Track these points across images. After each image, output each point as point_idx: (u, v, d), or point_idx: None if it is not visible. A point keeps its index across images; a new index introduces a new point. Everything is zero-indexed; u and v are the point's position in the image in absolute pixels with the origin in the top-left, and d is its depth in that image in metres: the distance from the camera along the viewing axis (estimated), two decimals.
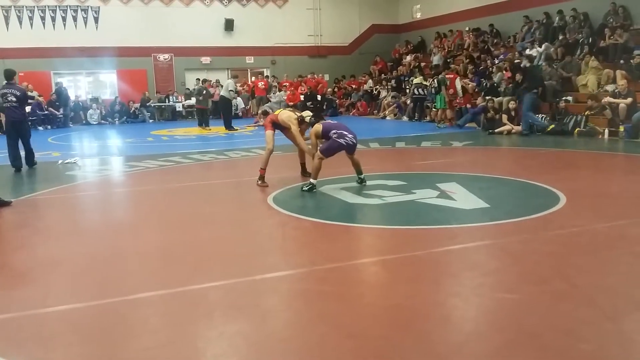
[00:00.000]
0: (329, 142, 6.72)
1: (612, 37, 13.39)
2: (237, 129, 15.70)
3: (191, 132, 15.74)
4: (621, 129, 10.85)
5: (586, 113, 11.65)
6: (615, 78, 11.98)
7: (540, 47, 15.19)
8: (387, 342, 2.84)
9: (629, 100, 11.04)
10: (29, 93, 17.86)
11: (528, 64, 13.96)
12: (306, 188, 6.62)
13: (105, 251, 4.63)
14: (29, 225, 5.83)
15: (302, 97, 20.32)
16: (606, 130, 11.14)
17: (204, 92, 16.88)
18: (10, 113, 9.15)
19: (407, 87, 18.41)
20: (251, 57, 22.51)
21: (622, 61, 12.66)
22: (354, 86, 21.89)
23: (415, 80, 16.56)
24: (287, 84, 21.36)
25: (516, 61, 14.79)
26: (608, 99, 11.42)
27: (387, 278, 3.94)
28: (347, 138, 6.68)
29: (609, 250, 4.27)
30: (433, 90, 15.46)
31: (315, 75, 21.74)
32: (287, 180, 7.31)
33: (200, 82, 18.74)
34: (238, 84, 19.26)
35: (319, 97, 20.25)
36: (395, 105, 18.21)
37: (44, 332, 3.12)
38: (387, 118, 18.12)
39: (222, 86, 17.54)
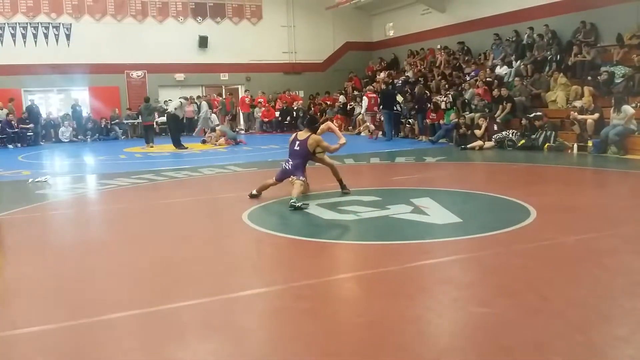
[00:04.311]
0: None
1: (579, 54, 13.75)
2: (187, 147, 15.37)
3: (165, 149, 15.60)
4: (589, 143, 11.11)
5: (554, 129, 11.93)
6: (584, 94, 12.28)
7: (511, 66, 15.55)
8: (362, 359, 2.84)
9: (596, 115, 11.32)
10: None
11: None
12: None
13: (76, 271, 4.55)
14: None
15: (277, 114, 20.40)
16: (575, 145, 11.40)
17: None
18: None
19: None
20: (226, 74, 22.49)
21: (589, 77, 12.99)
22: (328, 102, 22.01)
23: (398, 98, 16.85)
24: (262, 100, 21.44)
25: (383, 87, 17.66)
26: (574, 114, 11.68)
27: (362, 294, 3.96)
28: (285, 164, 7.14)
29: (578, 263, 4.36)
30: (449, 105, 15.39)
31: (290, 92, 21.81)
32: (261, 198, 7.29)
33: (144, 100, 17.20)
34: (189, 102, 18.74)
35: (294, 114, 20.38)
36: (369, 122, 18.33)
37: (14, 355, 3.04)
38: (362, 134, 18.24)
39: (170, 103, 16.81)
